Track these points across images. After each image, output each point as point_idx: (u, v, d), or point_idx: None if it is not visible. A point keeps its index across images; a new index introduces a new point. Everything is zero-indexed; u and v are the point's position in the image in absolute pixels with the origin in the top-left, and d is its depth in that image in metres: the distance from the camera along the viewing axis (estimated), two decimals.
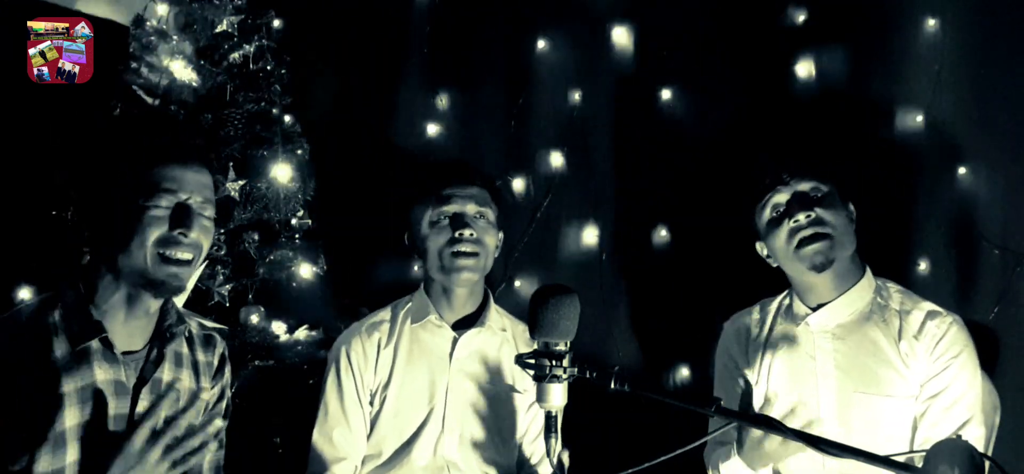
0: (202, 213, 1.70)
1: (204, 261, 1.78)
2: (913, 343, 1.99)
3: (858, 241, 2.03)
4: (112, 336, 1.66)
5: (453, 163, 2.26)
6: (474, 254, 2.11)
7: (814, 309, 2.07)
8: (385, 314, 2.25)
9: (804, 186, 2.00)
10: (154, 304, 1.72)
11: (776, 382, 2.12)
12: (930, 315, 2.00)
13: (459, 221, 2.11)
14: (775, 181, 2.02)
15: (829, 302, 2.05)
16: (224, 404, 1.91)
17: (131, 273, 1.66)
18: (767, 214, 2.05)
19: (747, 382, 2.15)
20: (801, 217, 1.97)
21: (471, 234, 2.11)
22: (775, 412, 2.11)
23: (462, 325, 2.20)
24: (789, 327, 2.12)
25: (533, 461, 2.23)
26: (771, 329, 2.16)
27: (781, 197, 2.02)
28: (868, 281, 2.07)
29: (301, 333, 2.81)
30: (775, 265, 2.10)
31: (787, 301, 2.17)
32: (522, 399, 2.20)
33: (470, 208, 2.13)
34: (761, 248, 2.12)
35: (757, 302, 2.24)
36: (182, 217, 1.66)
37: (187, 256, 1.68)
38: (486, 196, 2.18)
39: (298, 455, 2.22)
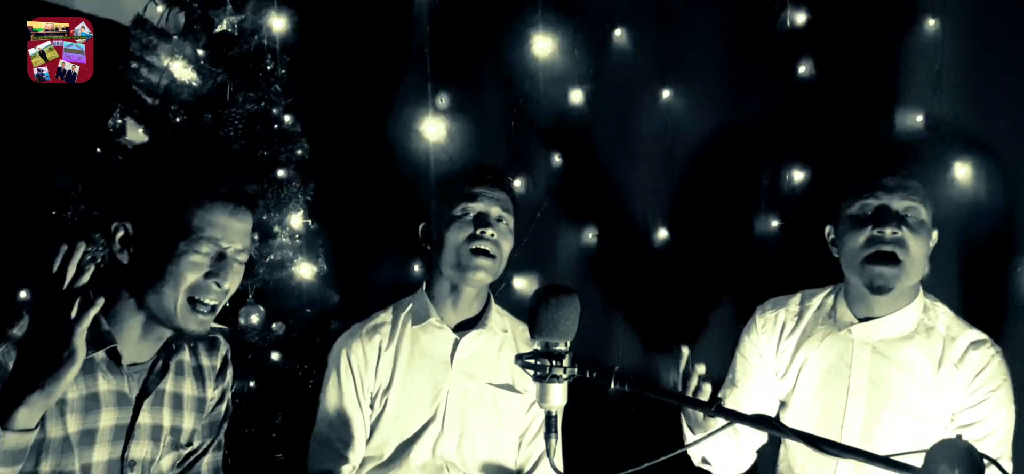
0: (238, 259, 1.67)
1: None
2: (953, 372, 1.95)
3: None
4: (120, 349, 1.64)
5: (487, 165, 2.27)
6: (491, 255, 2.12)
7: (860, 319, 2.03)
8: (386, 316, 2.25)
9: (902, 203, 1.93)
10: (168, 335, 1.70)
11: (805, 383, 2.09)
12: (974, 345, 1.97)
13: (483, 220, 2.12)
14: (877, 184, 1.95)
15: (878, 317, 2.01)
16: (224, 405, 1.90)
17: (157, 313, 1.63)
18: (854, 209, 1.97)
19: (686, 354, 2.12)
20: (888, 231, 1.90)
21: (492, 234, 2.12)
22: (795, 410, 2.11)
23: (463, 327, 2.20)
24: (830, 330, 2.08)
25: (532, 462, 2.22)
26: (809, 327, 2.12)
27: (875, 201, 1.94)
28: (919, 301, 2.03)
29: (301, 333, 2.81)
30: (836, 255, 2.04)
31: (831, 301, 2.12)
32: (522, 400, 2.20)
33: (495, 210, 2.14)
34: (829, 233, 2.07)
35: (798, 292, 2.20)
36: (219, 267, 1.63)
37: (215, 302, 1.65)
38: (509, 203, 2.19)
39: (298, 455, 2.22)
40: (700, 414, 1.89)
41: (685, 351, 1.79)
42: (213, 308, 1.66)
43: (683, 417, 2.01)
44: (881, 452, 1.91)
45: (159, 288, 1.60)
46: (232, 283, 1.67)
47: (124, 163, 2.55)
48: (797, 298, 2.19)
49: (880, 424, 1.97)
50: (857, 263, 1.95)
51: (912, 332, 2.01)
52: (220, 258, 1.63)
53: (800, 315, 2.15)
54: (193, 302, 1.63)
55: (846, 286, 2.08)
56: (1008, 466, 1.91)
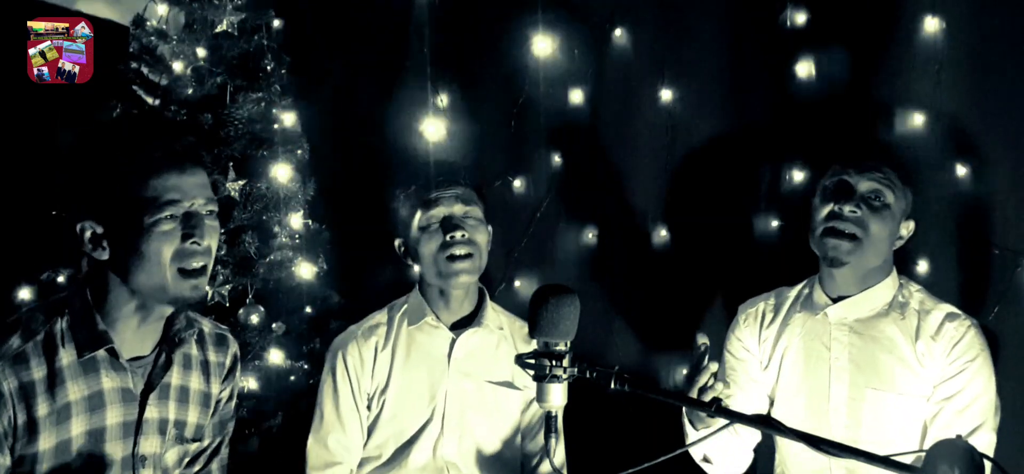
0: (206, 213, 1.67)
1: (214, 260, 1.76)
2: (930, 343, 1.99)
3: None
4: (120, 344, 1.64)
5: (436, 165, 2.25)
6: (469, 255, 2.11)
7: (834, 300, 2.07)
8: (381, 317, 2.25)
9: (868, 184, 1.99)
10: (167, 310, 1.70)
11: (788, 370, 2.12)
12: (949, 317, 2.01)
13: (449, 223, 2.10)
14: (847, 164, 2.02)
15: (850, 296, 2.05)
16: (233, 405, 1.91)
17: (150, 291, 1.63)
18: (824, 182, 2.05)
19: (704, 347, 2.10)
20: (846, 208, 1.97)
21: (463, 235, 2.10)
22: (782, 400, 2.13)
23: (459, 326, 2.20)
24: (807, 316, 2.12)
25: (534, 460, 2.23)
26: (787, 316, 2.16)
27: (841, 178, 2.01)
28: (892, 280, 2.07)
29: (301, 333, 2.81)
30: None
31: (807, 290, 2.17)
32: (521, 397, 2.20)
33: (457, 208, 2.13)
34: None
35: (772, 291, 2.25)
36: (192, 227, 1.63)
37: (202, 263, 1.66)
38: (471, 194, 2.17)
39: (298, 456, 2.22)
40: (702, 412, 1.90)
41: (703, 343, 1.81)
42: (202, 268, 1.66)
43: (685, 414, 2.02)
44: (868, 429, 1.97)
45: (145, 268, 1.61)
46: (210, 240, 1.67)
47: (69, 165, 2.58)
48: (773, 294, 2.25)
49: (865, 402, 2.00)
50: (817, 237, 2.02)
51: (887, 309, 2.05)
52: (189, 218, 1.64)
53: (777, 307, 2.20)
54: (182, 272, 1.63)
55: (819, 269, 2.13)
56: (991, 436, 1.94)
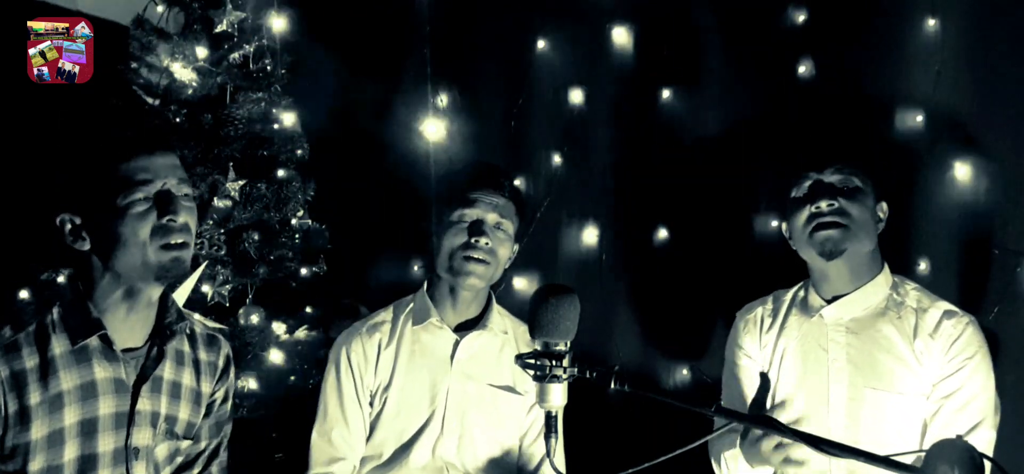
0: (181, 194, 1.68)
1: (197, 244, 1.77)
2: (928, 341, 1.99)
3: (880, 240, 2.07)
4: (112, 333, 1.65)
5: (487, 167, 2.25)
6: (484, 262, 2.11)
7: (829, 301, 2.07)
8: (386, 315, 2.25)
9: (834, 176, 2.02)
10: (156, 293, 1.71)
11: (787, 373, 2.12)
12: (947, 314, 2.01)
13: (477, 227, 2.11)
14: (810, 165, 2.05)
15: (844, 295, 2.05)
16: (229, 405, 1.91)
17: (134, 272, 1.64)
18: (793, 193, 2.07)
19: (764, 376, 2.13)
20: (823, 204, 1.99)
21: (486, 243, 2.11)
22: (782, 404, 2.12)
23: (464, 327, 2.20)
24: (803, 318, 2.13)
25: (533, 463, 2.23)
26: (784, 319, 2.16)
27: (808, 181, 2.04)
28: (885, 277, 2.08)
29: (301, 333, 2.81)
30: (794, 248, 2.11)
31: (802, 293, 2.18)
32: (523, 401, 2.20)
33: (491, 217, 2.13)
34: (785, 229, 2.14)
35: (770, 294, 2.25)
36: (165, 204, 1.64)
37: (182, 239, 1.67)
38: (510, 208, 2.17)
39: (298, 455, 2.22)
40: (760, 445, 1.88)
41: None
42: (182, 245, 1.67)
43: (739, 447, 1.99)
44: (867, 429, 1.96)
45: (125, 251, 1.63)
46: (187, 218, 1.68)
47: (47, 160, 2.60)
48: (771, 297, 2.25)
49: (864, 403, 2.00)
50: (805, 239, 2.04)
51: (883, 309, 2.05)
52: (162, 197, 1.65)
53: (775, 311, 2.20)
54: (162, 248, 1.65)
55: (810, 272, 2.14)
56: (991, 433, 1.94)
